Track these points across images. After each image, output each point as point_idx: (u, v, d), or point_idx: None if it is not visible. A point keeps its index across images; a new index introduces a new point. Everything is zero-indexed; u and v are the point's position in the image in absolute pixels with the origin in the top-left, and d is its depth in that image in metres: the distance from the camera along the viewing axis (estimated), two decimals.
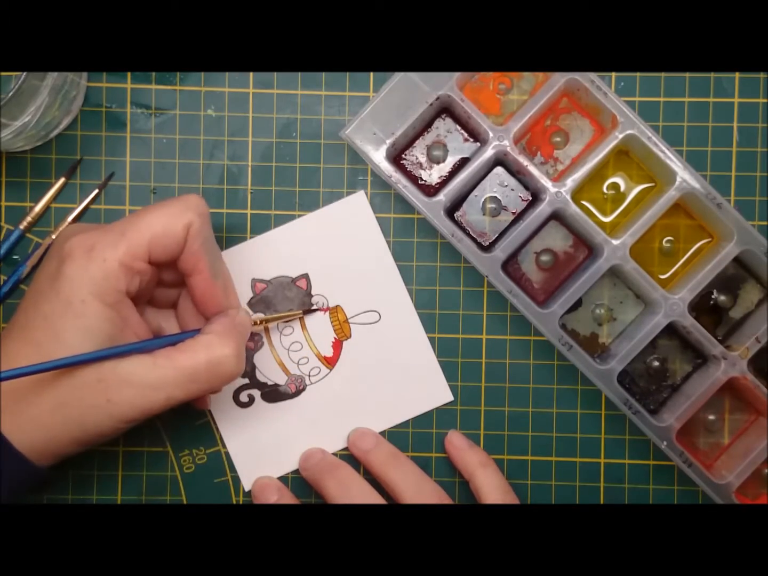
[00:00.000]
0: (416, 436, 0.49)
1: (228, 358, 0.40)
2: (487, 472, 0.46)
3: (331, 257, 0.48)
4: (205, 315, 0.43)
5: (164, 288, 0.44)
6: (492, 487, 0.45)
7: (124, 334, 0.40)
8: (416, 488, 0.44)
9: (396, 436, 0.48)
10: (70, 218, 0.47)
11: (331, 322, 0.48)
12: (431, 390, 0.48)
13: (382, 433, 0.48)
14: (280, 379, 0.48)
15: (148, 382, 0.39)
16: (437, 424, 0.49)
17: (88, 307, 0.38)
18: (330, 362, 0.48)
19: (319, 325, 0.48)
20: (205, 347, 0.40)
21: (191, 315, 0.44)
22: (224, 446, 0.48)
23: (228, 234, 0.48)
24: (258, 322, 0.46)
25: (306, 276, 0.48)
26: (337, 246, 0.48)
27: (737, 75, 0.48)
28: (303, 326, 0.48)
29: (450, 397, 0.48)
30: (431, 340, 0.48)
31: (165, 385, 0.39)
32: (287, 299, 0.48)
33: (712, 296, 0.48)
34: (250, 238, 0.48)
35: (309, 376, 0.48)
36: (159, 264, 0.41)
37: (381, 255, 0.48)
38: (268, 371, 0.48)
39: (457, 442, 0.47)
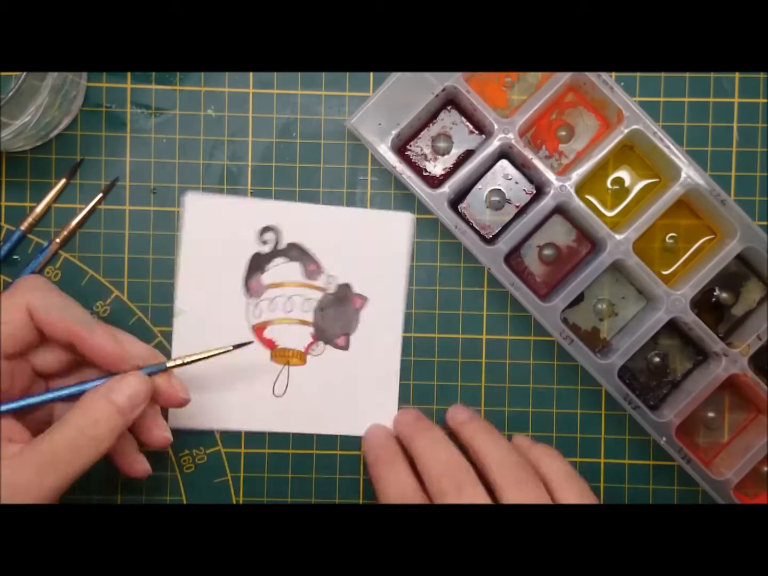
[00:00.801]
0: None
1: (80, 430, 0.38)
2: (552, 461, 0.44)
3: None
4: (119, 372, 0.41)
5: (58, 378, 0.43)
6: (555, 472, 0.44)
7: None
8: (501, 460, 0.43)
9: None
10: (74, 222, 0.47)
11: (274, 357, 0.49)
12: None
13: None
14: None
15: (15, 482, 0.37)
16: (437, 424, 0.49)
17: None
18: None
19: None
20: (60, 424, 0.39)
21: None
22: (224, 446, 0.48)
23: None
24: (171, 368, 0.43)
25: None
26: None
27: (737, 75, 0.48)
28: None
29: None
30: (431, 339, 0.48)
31: (32, 481, 0.37)
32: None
33: (714, 293, 0.48)
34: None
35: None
36: (17, 355, 0.41)
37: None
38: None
39: (521, 442, 0.47)
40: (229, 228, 0.48)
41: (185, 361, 0.43)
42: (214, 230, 0.48)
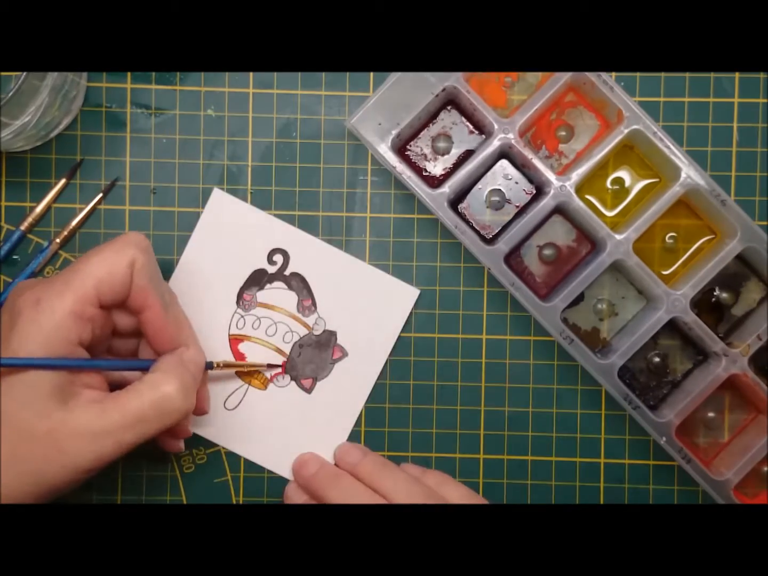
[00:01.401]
0: (416, 436, 0.49)
1: (171, 395, 0.39)
2: (450, 487, 0.46)
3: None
4: (159, 353, 0.43)
5: (122, 338, 0.44)
6: (458, 497, 0.45)
7: (74, 386, 0.39)
8: (407, 493, 0.44)
9: (396, 436, 0.49)
10: (75, 222, 0.47)
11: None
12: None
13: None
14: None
15: (97, 428, 0.38)
16: (437, 424, 0.49)
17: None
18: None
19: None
20: (149, 387, 0.40)
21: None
22: (224, 446, 0.48)
23: None
24: (217, 366, 0.46)
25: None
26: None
27: (737, 75, 0.48)
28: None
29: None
30: (431, 339, 0.48)
31: (114, 430, 0.38)
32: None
33: (714, 293, 0.48)
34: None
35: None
36: (109, 307, 0.41)
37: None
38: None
39: (412, 471, 0.47)
40: (243, 236, 0.48)
41: (225, 364, 0.46)
42: (229, 232, 0.48)
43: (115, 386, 0.41)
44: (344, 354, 0.48)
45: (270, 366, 0.48)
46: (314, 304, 0.48)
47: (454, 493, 0.45)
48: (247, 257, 0.48)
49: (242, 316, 0.48)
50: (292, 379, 0.48)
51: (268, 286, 0.48)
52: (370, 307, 0.48)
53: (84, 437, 0.38)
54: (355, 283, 0.48)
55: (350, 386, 0.48)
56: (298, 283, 0.48)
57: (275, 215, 0.48)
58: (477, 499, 0.46)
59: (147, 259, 0.41)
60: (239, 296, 0.48)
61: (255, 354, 0.48)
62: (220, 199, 0.48)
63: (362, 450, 0.47)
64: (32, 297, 0.39)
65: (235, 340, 0.48)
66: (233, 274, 0.48)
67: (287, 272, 0.48)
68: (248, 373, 0.48)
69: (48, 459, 0.38)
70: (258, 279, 0.48)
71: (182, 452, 0.47)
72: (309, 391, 0.48)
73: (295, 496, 0.47)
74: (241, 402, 0.48)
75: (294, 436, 0.48)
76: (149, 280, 0.41)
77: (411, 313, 0.48)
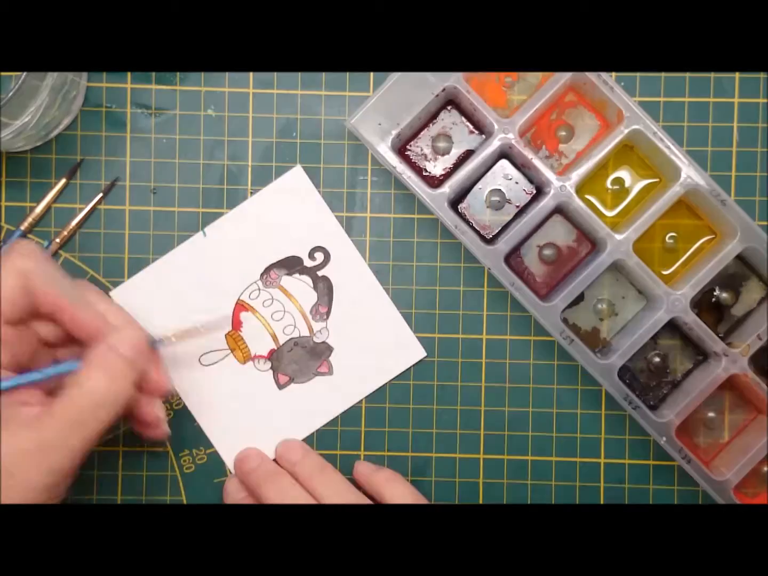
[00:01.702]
0: (416, 436, 0.49)
1: (99, 387, 0.38)
2: (395, 485, 0.46)
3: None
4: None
5: (64, 347, 0.43)
6: (399, 496, 0.45)
7: (9, 408, 0.38)
8: (338, 498, 0.44)
9: (396, 436, 0.49)
10: (74, 222, 0.47)
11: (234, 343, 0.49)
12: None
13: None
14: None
15: (40, 443, 0.37)
16: (437, 424, 0.49)
17: None
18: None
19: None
20: (76, 385, 0.38)
21: None
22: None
23: None
24: (168, 339, 0.45)
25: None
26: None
27: (737, 75, 0.48)
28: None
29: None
30: (431, 339, 0.48)
31: (56, 440, 0.37)
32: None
33: (714, 293, 0.48)
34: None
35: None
36: (18, 322, 0.40)
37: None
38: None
39: (362, 469, 0.47)
40: (298, 219, 0.48)
41: (180, 334, 0.44)
42: (287, 210, 0.48)
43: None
44: (329, 371, 0.48)
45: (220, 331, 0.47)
46: (328, 313, 0.48)
47: (397, 491, 0.45)
48: (292, 240, 0.48)
49: (259, 289, 0.48)
50: (271, 368, 0.48)
51: (296, 275, 0.48)
52: (374, 344, 0.48)
53: (30, 455, 0.37)
54: (374, 315, 0.48)
55: (317, 403, 0.48)
56: (324, 288, 0.48)
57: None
58: (419, 499, 0.46)
59: (37, 264, 0.40)
60: (266, 270, 0.48)
61: (250, 329, 0.48)
62: (299, 175, 0.48)
63: (303, 449, 0.47)
64: None
65: (240, 307, 0.48)
66: (272, 248, 0.48)
67: (320, 273, 0.48)
68: (235, 341, 0.48)
69: (3, 485, 0.37)
70: (291, 265, 0.48)
71: (169, 436, 0.45)
72: (280, 387, 0.48)
73: (234, 492, 0.47)
74: (215, 364, 0.48)
75: (246, 419, 0.48)
76: (46, 283, 0.40)
77: (410, 369, 0.48)
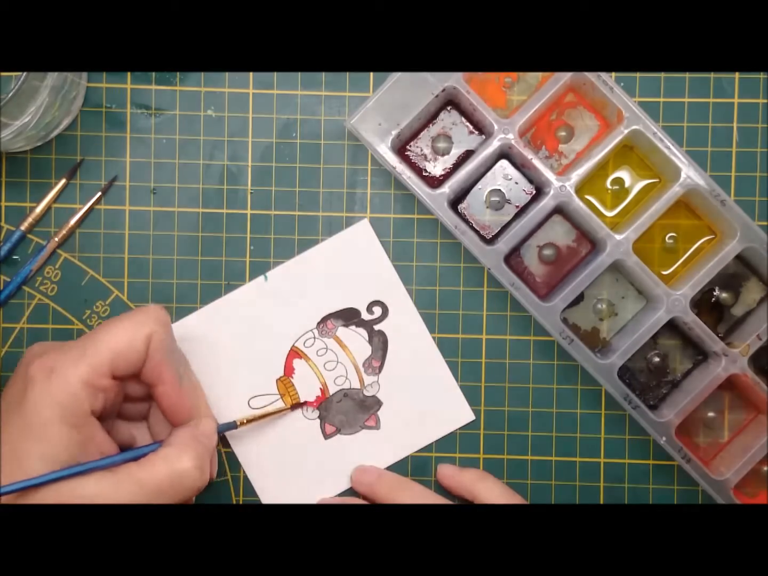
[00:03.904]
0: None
1: (188, 471, 0.40)
2: (487, 485, 0.46)
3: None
4: (174, 424, 0.43)
5: (133, 402, 0.44)
6: (495, 496, 0.45)
7: (87, 453, 0.39)
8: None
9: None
10: (73, 221, 0.47)
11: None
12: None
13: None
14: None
15: (110, 500, 0.38)
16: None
17: (50, 430, 0.38)
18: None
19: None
20: (164, 461, 0.39)
21: (163, 425, 0.44)
22: (224, 446, 0.48)
23: (228, 234, 0.48)
24: (241, 423, 0.46)
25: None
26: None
27: (737, 75, 0.48)
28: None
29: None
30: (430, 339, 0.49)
31: (127, 502, 0.38)
32: None
33: (714, 293, 0.48)
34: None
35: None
36: (123, 378, 0.41)
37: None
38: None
39: (447, 471, 0.47)
40: (360, 272, 0.48)
41: (249, 418, 0.46)
42: (350, 261, 0.48)
43: (125, 446, 0.42)
44: (377, 426, 0.48)
45: (294, 407, 0.48)
46: (381, 368, 0.48)
47: (489, 493, 0.45)
48: (352, 292, 0.48)
49: (314, 338, 0.48)
50: (319, 417, 0.48)
51: (353, 327, 0.48)
52: (424, 403, 0.48)
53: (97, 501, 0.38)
54: (426, 374, 0.48)
55: (362, 456, 0.48)
56: (379, 342, 0.48)
57: (275, 215, 0.48)
58: (514, 498, 0.46)
59: (165, 334, 0.41)
60: (324, 320, 0.48)
61: (302, 376, 0.48)
62: (365, 229, 0.48)
63: (378, 470, 0.48)
64: (46, 365, 0.39)
65: (294, 353, 0.48)
66: (331, 298, 0.48)
67: (377, 327, 0.48)
68: (285, 387, 0.48)
69: None
70: (349, 316, 0.48)
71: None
72: (326, 437, 0.48)
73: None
74: (263, 408, 0.48)
75: (290, 467, 0.48)
76: (166, 355, 0.41)
77: (456, 432, 0.49)
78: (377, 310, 0.48)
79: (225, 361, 0.48)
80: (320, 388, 0.48)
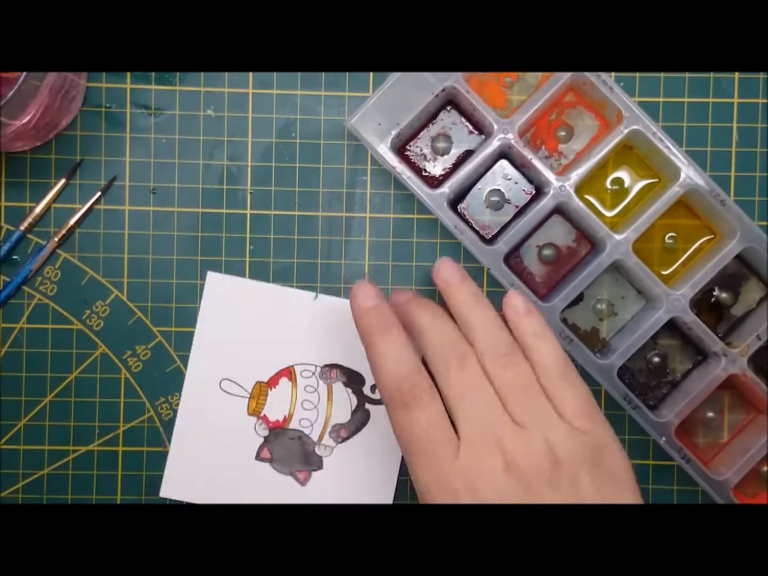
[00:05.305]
0: None
1: None
2: (541, 344, 0.40)
3: None
4: None
5: None
6: (545, 358, 0.40)
7: None
8: (489, 339, 0.40)
9: None
10: (73, 221, 0.47)
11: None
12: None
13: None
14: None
15: None
16: None
17: None
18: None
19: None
20: None
21: None
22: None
23: (227, 234, 0.48)
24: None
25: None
26: None
27: (737, 75, 0.48)
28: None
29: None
30: None
31: None
32: None
33: (714, 293, 0.48)
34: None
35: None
36: None
37: None
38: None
39: (517, 304, 0.41)
40: None
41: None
42: None
43: None
44: (304, 483, 0.48)
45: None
46: (344, 439, 0.48)
47: (548, 355, 0.40)
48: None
49: (313, 374, 0.48)
50: (265, 439, 0.48)
51: (349, 390, 0.48)
52: (358, 484, 0.48)
53: None
54: (371, 472, 0.48)
55: (276, 497, 0.48)
56: (358, 418, 0.48)
57: (275, 215, 0.48)
58: (569, 372, 0.40)
59: None
60: (332, 366, 0.48)
61: (279, 395, 0.48)
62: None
63: (462, 274, 0.42)
64: None
65: (287, 372, 0.48)
66: (351, 353, 0.48)
67: (367, 405, 0.48)
68: (259, 391, 0.48)
69: None
70: (353, 379, 0.48)
71: None
72: (258, 458, 0.48)
73: (366, 300, 0.41)
74: (229, 396, 0.48)
75: (212, 462, 0.48)
76: None
77: None
78: (378, 393, 0.48)
79: (230, 331, 0.48)
80: (284, 416, 0.48)
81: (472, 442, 0.38)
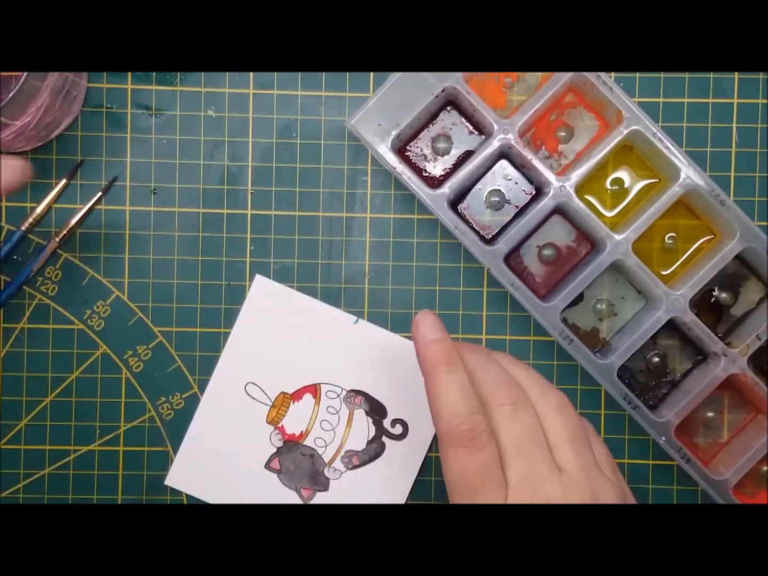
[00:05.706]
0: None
1: None
2: (562, 413, 0.39)
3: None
4: None
5: None
6: (560, 429, 0.39)
7: None
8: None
9: None
10: (74, 221, 0.47)
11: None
12: None
13: None
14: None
15: None
16: None
17: None
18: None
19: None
20: None
21: None
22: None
23: (228, 234, 0.48)
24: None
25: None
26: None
27: (737, 75, 0.48)
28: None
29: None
30: None
31: None
32: None
33: (714, 293, 0.48)
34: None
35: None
36: None
37: None
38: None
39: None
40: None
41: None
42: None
43: None
44: (306, 500, 0.48)
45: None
46: (355, 467, 0.48)
47: (562, 422, 0.39)
48: (397, 395, 0.48)
49: (338, 396, 0.48)
50: (278, 450, 0.48)
51: (370, 419, 0.48)
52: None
53: None
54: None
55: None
56: (374, 449, 0.48)
57: (276, 215, 0.48)
58: (580, 433, 0.39)
59: None
60: (358, 392, 0.48)
61: (300, 410, 0.48)
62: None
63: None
64: None
65: (313, 389, 0.48)
66: (380, 383, 0.48)
67: (384, 438, 0.48)
68: (282, 402, 0.48)
69: None
70: (376, 409, 0.48)
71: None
72: (266, 467, 0.48)
73: (430, 332, 0.39)
74: (251, 400, 0.48)
75: (224, 463, 0.48)
76: None
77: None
78: (398, 428, 0.48)
79: (266, 337, 0.48)
80: (301, 431, 0.48)
81: (520, 492, 0.38)
